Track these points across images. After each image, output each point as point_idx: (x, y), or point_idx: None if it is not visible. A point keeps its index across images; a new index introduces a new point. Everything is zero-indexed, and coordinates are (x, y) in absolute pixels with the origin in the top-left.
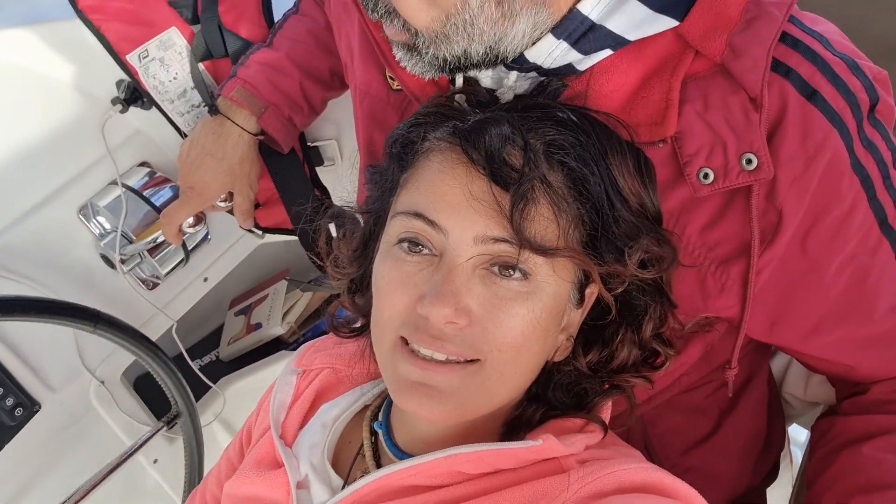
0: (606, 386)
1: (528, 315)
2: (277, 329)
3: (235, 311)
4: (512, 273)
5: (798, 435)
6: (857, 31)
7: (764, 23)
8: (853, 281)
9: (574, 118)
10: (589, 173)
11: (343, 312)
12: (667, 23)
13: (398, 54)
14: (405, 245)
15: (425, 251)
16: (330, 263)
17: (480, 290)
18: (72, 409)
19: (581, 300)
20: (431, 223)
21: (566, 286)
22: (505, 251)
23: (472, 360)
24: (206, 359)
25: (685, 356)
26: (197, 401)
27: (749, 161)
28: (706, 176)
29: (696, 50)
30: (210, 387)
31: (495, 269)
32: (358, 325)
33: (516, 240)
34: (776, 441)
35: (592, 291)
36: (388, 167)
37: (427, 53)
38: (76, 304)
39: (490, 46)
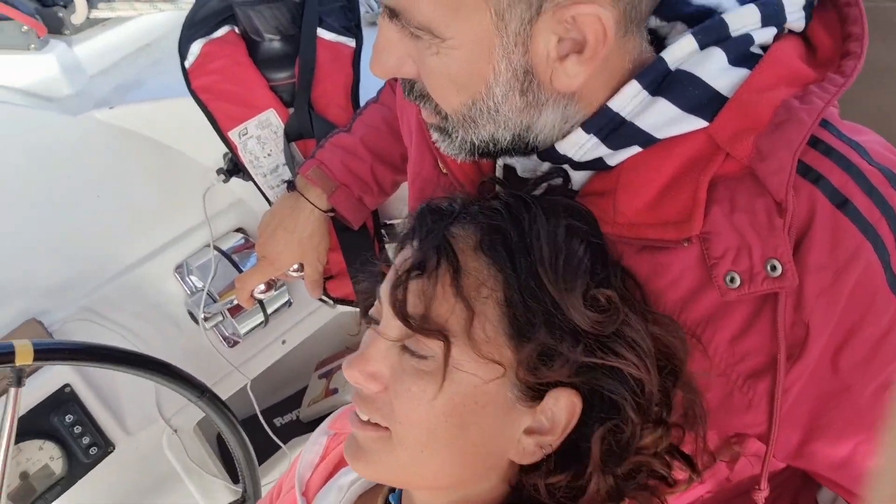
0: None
1: (422, 395)
2: (350, 397)
3: (319, 374)
4: (413, 350)
5: None
6: None
7: (792, 127)
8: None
9: (510, 203)
10: (509, 268)
11: None
12: (696, 123)
13: (434, 136)
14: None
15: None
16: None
17: (395, 360)
18: (143, 453)
19: (534, 399)
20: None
21: (494, 378)
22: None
23: (384, 427)
24: (287, 417)
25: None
26: (268, 457)
27: (773, 267)
28: (733, 280)
29: (727, 152)
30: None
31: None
32: None
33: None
34: None
35: (574, 402)
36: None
37: (457, 137)
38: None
39: (517, 134)
